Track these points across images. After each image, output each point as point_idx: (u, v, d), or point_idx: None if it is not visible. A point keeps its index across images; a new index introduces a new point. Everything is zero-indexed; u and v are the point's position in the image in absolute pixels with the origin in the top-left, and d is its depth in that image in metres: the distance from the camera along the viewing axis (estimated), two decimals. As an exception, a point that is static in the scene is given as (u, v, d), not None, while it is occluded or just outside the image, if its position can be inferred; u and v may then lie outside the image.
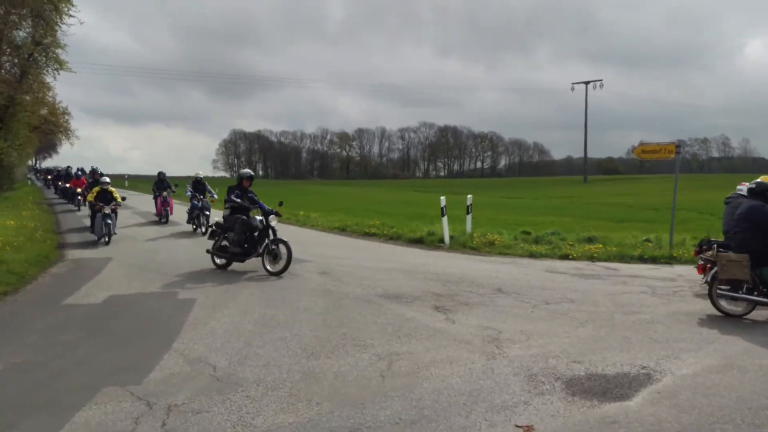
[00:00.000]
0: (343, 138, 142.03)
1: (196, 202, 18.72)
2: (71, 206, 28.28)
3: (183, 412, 4.73)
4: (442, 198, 15.75)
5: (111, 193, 16.36)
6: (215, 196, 19.60)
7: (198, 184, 19.36)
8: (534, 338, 6.85)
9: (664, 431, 4.34)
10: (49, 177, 50.21)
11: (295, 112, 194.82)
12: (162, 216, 21.23)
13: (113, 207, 15.92)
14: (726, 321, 7.62)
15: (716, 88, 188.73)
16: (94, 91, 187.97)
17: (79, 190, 25.33)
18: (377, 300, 8.86)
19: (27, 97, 33.88)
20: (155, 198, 21.61)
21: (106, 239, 15.26)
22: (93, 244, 15.20)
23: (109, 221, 15.39)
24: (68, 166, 41.16)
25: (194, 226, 18.74)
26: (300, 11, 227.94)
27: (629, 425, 4.44)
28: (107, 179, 17.10)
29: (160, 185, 21.55)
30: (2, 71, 30.19)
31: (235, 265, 11.73)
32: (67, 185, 29.60)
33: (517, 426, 4.46)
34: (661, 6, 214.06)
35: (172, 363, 5.98)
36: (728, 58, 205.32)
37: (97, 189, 16.53)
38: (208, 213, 18.40)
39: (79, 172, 32.44)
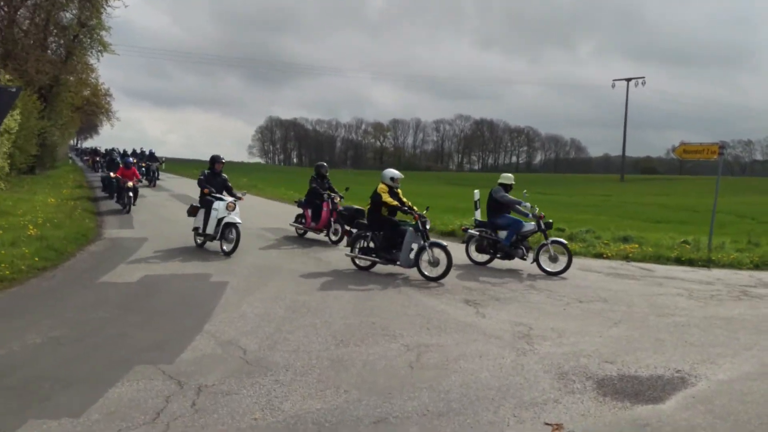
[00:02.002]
0: (378, 128, 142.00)
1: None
2: (115, 204, 20.25)
3: (213, 393, 4.79)
4: (476, 191, 15.61)
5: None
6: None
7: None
8: (566, 336, 6.76)
9: (697, 437, 4.24)
10: (98, 158, 42.85)
11: (331, 101, 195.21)
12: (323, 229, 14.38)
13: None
14: (765, 327, 7.41)
15: (762, 88, 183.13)
16: (133, 73, 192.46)
17: (130, 183, 18.50)
18: (407, 290, 8.84)
19: (71, 78, 34.73)
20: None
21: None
22: (130, 224, 15.49)
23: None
24: (112, 149, 36.72)
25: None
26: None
27: (661, 429, 4.35)
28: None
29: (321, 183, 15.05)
30: (48, 52, 30.88)
31: (262, 254, 11.82)
32: (111, 174, 20.91)
33: (547, 423, 4.41)
34: (708, 3, 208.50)
35: (203, 344, 6.06)
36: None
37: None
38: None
39: (130, 159, 21.81)
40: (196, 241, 12.41)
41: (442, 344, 6.32)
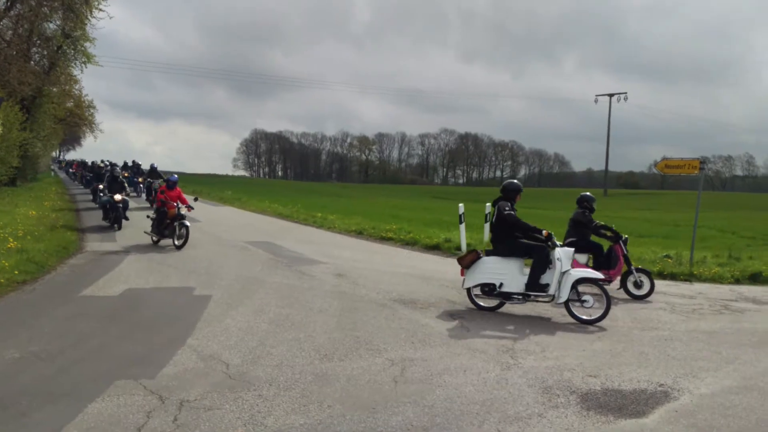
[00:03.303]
0: (363, 141, 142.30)
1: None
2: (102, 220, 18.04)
3: (195, 408, 4.73)
4: (461, 205, 15.68)
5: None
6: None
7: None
8: (549, 350, 6.77)
9: (680, 451, 4.26)
10: (85, 172, 38.66)
11: (317, 114, 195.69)
12: None
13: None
14: (746, 341, 7.47)
15: (743, 104, 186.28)
16: (117, 85, 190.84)
17: (183, 210, 14.39)
18: (392, 304, 8.82)
19: (54, 89, 34.43)
20: None
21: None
22: (112, 238, 15.34)
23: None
24: (112, 164, 28.66)
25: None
26: (325, 12, 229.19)
27: (645, 443, 4.36)
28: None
29: None
30: (31, 62, 30.64)
31: (246, 267, 11.77)
32: (117, 197, 17.11)
33: (530, 438, 4.40)
34: (689, 19, 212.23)
35: (185, 358, 5.99)
36: (756, 75, 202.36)
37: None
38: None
39: (174, 177, 15.42)
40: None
41: (426, 358, 6.30)
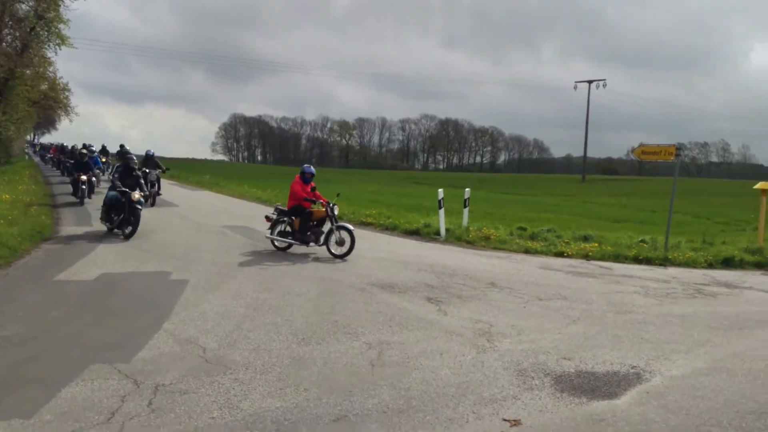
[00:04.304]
0: (344, 126, 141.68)
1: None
2: (72, 201, 19.57)
3: (170, 392, 4.72)
4: (440, 190, 15.74)
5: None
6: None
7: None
8: (525, 333, 6.84)
9: (650, 431, 4.34)
10: (63, 156, 35.42)
11: (297, 98, 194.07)
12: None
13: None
14: (718, 324, 7.62)
15: (719, 92, 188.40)
16: (93, 67, 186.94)
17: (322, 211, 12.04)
18: (370, 289, 8.84)
19: (27, 72, 33.69)
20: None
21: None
22: (88, 222, 15.14)
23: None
24: (88, 146, 27.19)
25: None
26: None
27: (616, 424, 4.44)
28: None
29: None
30: (3, 44, 29.97)
31: (224, 252, 11.73)
32: (136, 196, 13.07)
33: (505, 420, 4.45)
34: (668, 7, 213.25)
35: (161, 343, 5.96)
36: (733, 63, 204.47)
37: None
38: None
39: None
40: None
41: (403, 342, 6.33)
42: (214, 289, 8.36)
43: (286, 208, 12.27)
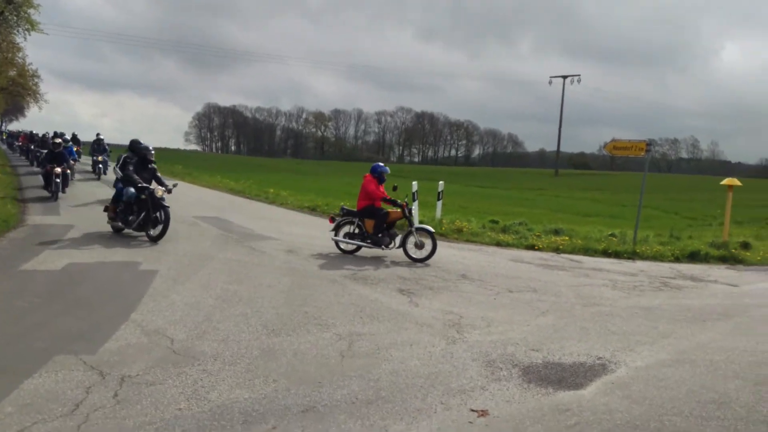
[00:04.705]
0: (319, 117, 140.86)
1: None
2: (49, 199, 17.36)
3: (136, 384, 4.67)
4: (414, 183, 15.75)
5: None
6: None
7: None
8: (495, 325, 6.91)
9: (614, 420, 4.41)
10: (33, 146, 32.72)
11: (271, 89, 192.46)
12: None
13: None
14: (682, 317, 7.78)
15: (690, 89, 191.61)
16: (64, 54, 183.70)
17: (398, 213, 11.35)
18: (342, 280, 8.83)
19: (-6, 57, 32.89)
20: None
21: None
22: (55, 211, 14.86)
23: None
24: (59, 134, 24.90)
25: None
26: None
27: (581, 413, 4.51)
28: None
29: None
30: (-32, 28, 29.20)
31: (194, 242, 11.60)
32: (164, 193, 11.92)
33: (472, 410, 4.50)
34: (642, 4, 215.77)
35: (128, 334, 5.88)
36: (704, 61, 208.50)
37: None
38: None
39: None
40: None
41: (374, 333, 6.35)
42: (184, 280, 8.27)
43: (351, 209, 11.70)
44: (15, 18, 30.23)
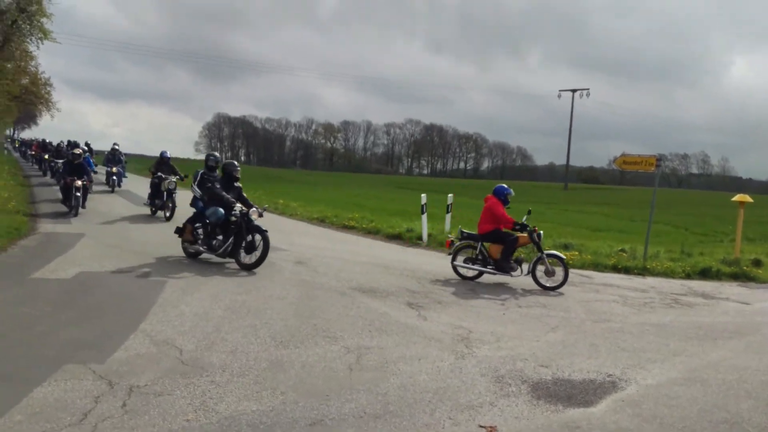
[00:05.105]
0: (329, 129, 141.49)
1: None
2: (59, 200, 17.40)
3: (145, 394, 4.67)
4: (423, 195, 15.77)
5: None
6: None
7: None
8: (504, 340, 6.87)
9: (625, 439, 4.37)
10: (47, 155, 29.94)
11: (281, 100, 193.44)
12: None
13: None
14: (694, 334, 7.70)
15: (700, 104, 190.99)
16: (76, 63, 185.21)
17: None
18: (351, 293, 8.82)
19: (8, 65, 33.30)
20: None
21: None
22: (66, 219, 14.95)
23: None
24: (72, 144, 24.62)
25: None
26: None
27: (591, 431, 4.47)
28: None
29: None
30: (-16, 37, 29.60)
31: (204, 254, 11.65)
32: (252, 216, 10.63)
33: (481, 426, 4.46)
34: (651, 18, 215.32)
35: (137, 344, 5.89)
36: (714, 76, 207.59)
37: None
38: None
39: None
40: None
41: (382, 346, 6.33)
42: (193, 291, 8.29)
43: (471, 232, 10.92)
44: (28, 27, 30.69)
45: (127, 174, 25.54)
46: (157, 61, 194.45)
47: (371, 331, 6.87)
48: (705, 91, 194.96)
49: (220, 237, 10.51)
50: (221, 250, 10.36)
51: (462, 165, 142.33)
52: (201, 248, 10.69)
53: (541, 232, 10.75)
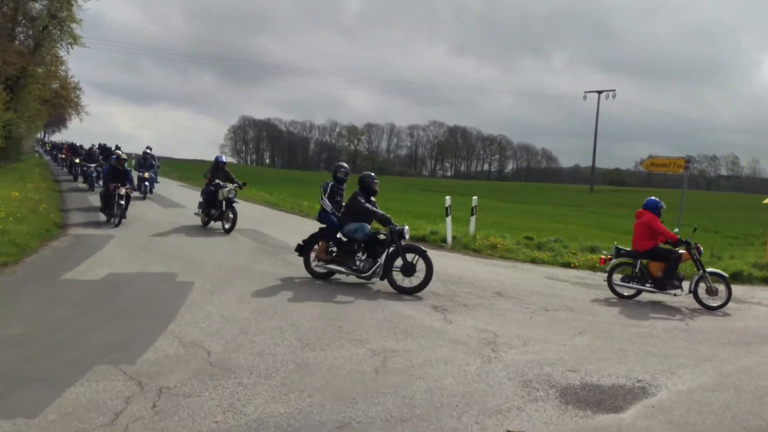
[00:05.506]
0: (352, 131, 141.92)
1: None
2: (86, 199, 17.83)
3: (174, 395, 4.72)
4: (447, 198, 15.72)
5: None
6: None
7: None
8: (531, 344, 6.81)
9: (656, 446, 4.31)
10: (78, 159, 29.16)
11: (306, 102, 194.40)
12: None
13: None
14: (725, 339, 7.56)
15: (729, 105, 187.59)
16: (104, 67, 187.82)
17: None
18: (375, 295, 8.83)
19: (39, 70, 33.98)
20: None
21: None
22: (95, 221, 15.18)
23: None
24: (111, 148, 23.61)
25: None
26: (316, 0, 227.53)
27: (621, 438, 4.41)
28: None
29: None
30: (16, 42, 30.22)
31: (230, 255, 11.73)
32: None
33: (509, 431, 4.43)
34: (678, 18, 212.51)
35: (166, 345, 5.96)
36: (744, 76, 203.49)
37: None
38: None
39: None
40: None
41: (408, 350, 6.31)
42: (220, 292, 8.36)
43: (627, 249, 10.40)
44: (59, 32, 31.32)
45: (159, 179, 24.02)
46: (182, 65, 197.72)
47: (396, 334, 6.86)
48: (734, 91, 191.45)
49: (364, 256, 9.59)
50: (370, 272, 9.36)
51: (486, 167, 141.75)
52: (339, 268, 9.59)
53: (701, 247, 10.19)
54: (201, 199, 16.16)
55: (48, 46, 32.17)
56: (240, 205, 15.78)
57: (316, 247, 9.94)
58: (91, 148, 28.17)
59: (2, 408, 4.30)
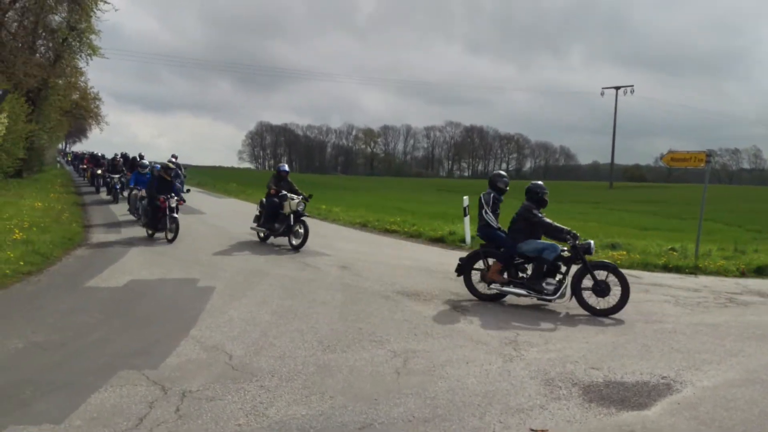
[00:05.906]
0: (369, 134, 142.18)
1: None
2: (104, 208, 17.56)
3: (197, 399, 4.75)
4: (465, 198, 15.67)
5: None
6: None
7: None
8: (552, 342, 6.76)
9: (682, 443, 4.25)
10: (99, 171, 28.01)
11: (322, 106, 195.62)
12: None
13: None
14: (751, 334, 7.44)
15: (750, 97, 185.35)
16: (123, 77, 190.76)
17: None
18: (395, 296, 8.82)
19: (60, 81, 34.46)
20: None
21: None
22: (117, 229, 15.37)
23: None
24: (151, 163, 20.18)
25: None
26: (329, 3, 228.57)
27: (646, 435, 4.35)
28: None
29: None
30: (37, 54, 30.69)
31: (249, 258, 11.78)
32: None
33: (532, 430, 4.40)
34: (696, 10, 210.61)
35: (188, 349, 6.01)
36: (764, 67, 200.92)
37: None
38: None
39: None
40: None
41: (428, 350, 6.30)
42: (240, 296, 8.41)
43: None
44: (78, 44, 31.69)
45: (188, 188, 21.11)
46: (199, 73, 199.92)
47: (417, 335, 6.85)
48: (756, 83, 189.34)
49: (555, 279, 8.70)
50: (557, 295, 8.50)
51: (504, 166, 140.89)
52: (520, 291, 8.70)
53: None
54: (258, 212, 14.54)
55: (68, 58, 32.59)
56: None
57: (478, 265, 9.22)
58: (114, 158, 27.82)
59: (29, 414, 4.37)
